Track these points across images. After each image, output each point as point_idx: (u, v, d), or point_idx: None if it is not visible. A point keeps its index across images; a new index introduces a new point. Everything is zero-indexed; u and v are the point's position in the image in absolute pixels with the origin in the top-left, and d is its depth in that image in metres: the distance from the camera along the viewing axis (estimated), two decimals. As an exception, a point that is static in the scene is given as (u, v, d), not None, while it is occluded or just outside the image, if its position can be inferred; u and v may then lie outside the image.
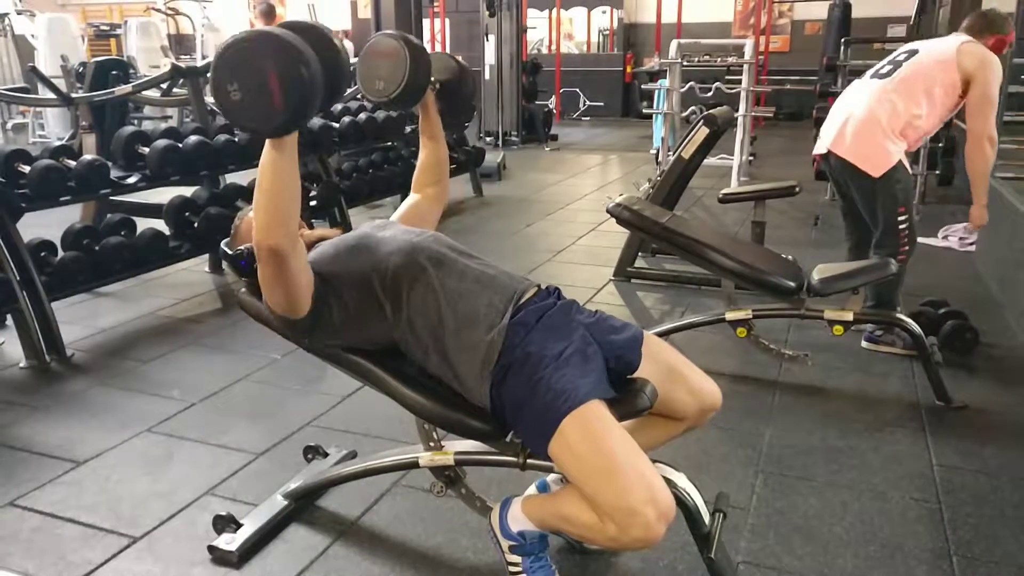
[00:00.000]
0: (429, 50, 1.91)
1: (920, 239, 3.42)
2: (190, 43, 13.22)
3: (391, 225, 1.84)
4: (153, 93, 5.26)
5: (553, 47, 13.56)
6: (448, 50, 12.60)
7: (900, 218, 3.04)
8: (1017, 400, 2.78)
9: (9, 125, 10.73)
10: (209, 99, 5.05)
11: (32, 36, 10.56)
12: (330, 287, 1.65)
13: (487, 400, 1.57)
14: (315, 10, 12.21)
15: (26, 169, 3.31)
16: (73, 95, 4.60)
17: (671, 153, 5.03)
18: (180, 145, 3.88)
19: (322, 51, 1.42)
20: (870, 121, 3.01)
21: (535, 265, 4.57)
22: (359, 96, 5.88)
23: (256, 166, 1.45)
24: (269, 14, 7.11)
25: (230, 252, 1.80)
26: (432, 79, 1.90)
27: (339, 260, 1.70)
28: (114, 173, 3.71)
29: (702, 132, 4.00)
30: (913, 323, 2.77)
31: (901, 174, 3.03)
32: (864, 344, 3.22)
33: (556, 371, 1.51)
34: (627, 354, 1.65)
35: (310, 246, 1.77)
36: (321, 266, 1.67)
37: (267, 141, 1.41)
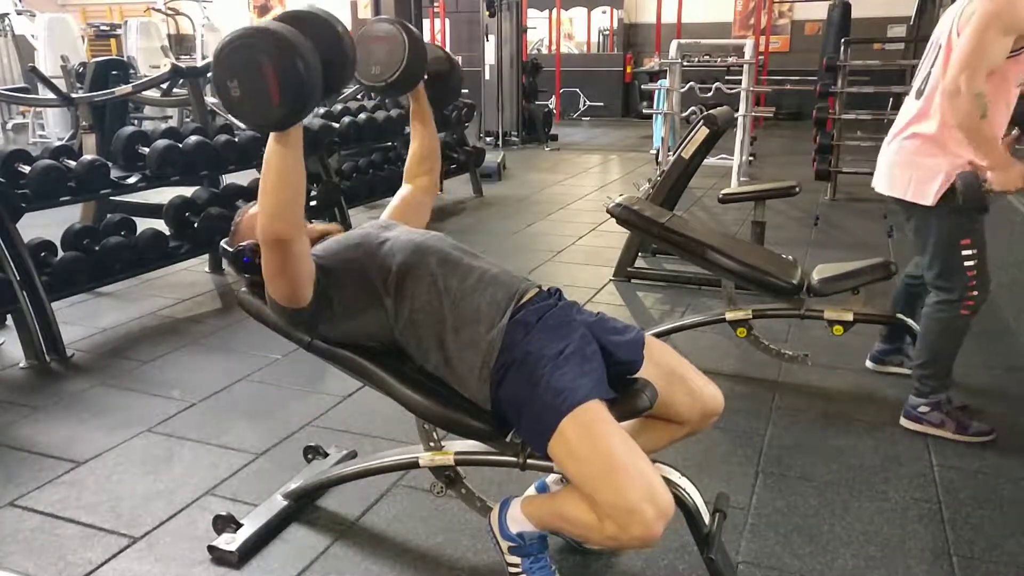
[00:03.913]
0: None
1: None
2: (190, 43, 13.21)
3: (394, 225, 1.84)
4: (153, 93, 5.27)
5: (553, 47, 13.55)
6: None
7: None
8: (1017, 400, 2.78)
9: (9, 125, 10.73)
10: (209, 99, 5.05)
11: (32, 36, 10.56)
12: (332, 280, 1.66)
13: (487, 400, 1.58)
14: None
15: (26, 169, 3.31)
16: (73, 95, 4.60)
17: (671, 153, 5.03)
18: (180, 145, 3.87)
19: (323, 39, 1.42)
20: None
21: (535, 265, 4.56)
22: (359, 96, 5.88)
23: (257, 166, 1.46)
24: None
25: (231, 249, 1.81)
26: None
27: (342, 255, 1.70)
28: (114, 173, 3.71)
29: (702, 132, 4.00)
30: (917, 325, 2.75)
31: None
32: (903, 422, 2.56)
33: (556, 370, 1.51)
34: (629, 355, 1.65)
35: (315, 241, 1.78)
36: (324, 259, 1.68)
37: (271, 133, 1.43)
